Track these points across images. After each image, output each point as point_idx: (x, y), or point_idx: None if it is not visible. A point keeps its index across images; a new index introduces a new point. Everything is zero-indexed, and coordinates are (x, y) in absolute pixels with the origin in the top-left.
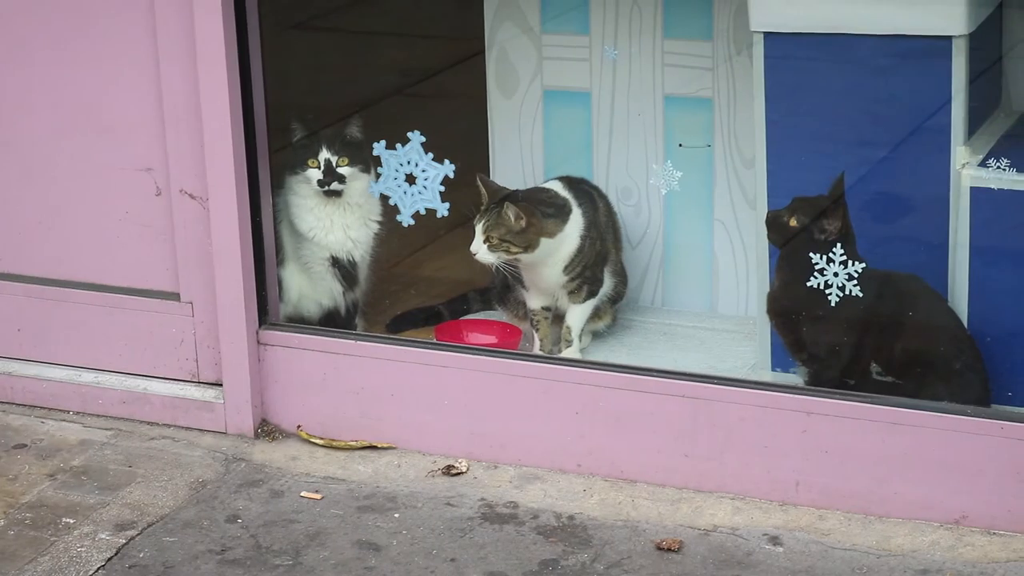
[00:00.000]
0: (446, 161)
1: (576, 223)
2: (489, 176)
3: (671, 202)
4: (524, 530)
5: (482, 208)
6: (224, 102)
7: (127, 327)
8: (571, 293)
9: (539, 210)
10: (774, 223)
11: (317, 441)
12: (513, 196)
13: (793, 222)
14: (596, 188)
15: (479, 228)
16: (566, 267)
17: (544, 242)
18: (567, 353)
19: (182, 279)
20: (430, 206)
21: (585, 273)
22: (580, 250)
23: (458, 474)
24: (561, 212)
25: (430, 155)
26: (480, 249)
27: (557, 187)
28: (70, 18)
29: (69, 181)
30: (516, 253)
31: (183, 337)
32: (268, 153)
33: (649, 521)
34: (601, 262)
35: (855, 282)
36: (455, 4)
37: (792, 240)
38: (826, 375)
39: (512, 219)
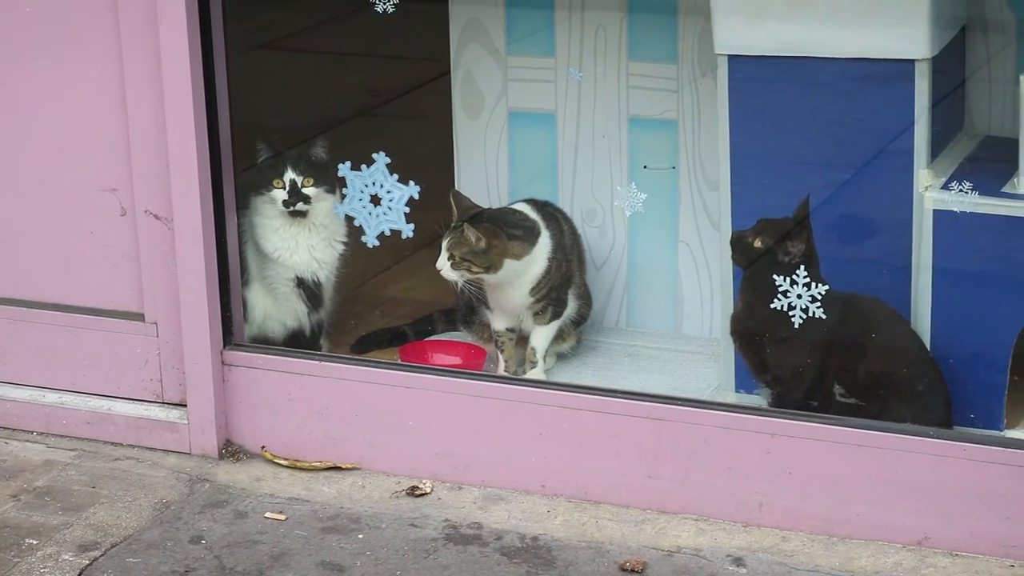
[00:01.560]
0: (411, 182)
1: (544, 246)
2: None
3: (636, 224)
4: (488, 551)
5: (451, 225)
6: (189, 122)
7: (91, 347)
8: (536, 315)
9: (504, 232)
10: (739, 244)
11: (281, 462)
12: (479, 216)
13: (758, 243)
14: (560, 210)
15: (444, 245)
16: (532, 289)
17: (509, 263)
18: (531, 374)
19: (147, 300)
20: (395, 227)
21: (551, 295)
22: (547, 272)
23: (422, 495)
24: (530, 235)
25: (395, 176)
26: (444, 266)
27: (526, 210)
28: (34, 35)
29: (33, 200)
30: (478, 273)
31: (148, 358)
32: (233, 173)
33: (613, 542)
34: (566, 284)
35: (818, 304)
36: (421, 25)
37: (756, 262)
38: (790, 397)
39: (472, 239)
